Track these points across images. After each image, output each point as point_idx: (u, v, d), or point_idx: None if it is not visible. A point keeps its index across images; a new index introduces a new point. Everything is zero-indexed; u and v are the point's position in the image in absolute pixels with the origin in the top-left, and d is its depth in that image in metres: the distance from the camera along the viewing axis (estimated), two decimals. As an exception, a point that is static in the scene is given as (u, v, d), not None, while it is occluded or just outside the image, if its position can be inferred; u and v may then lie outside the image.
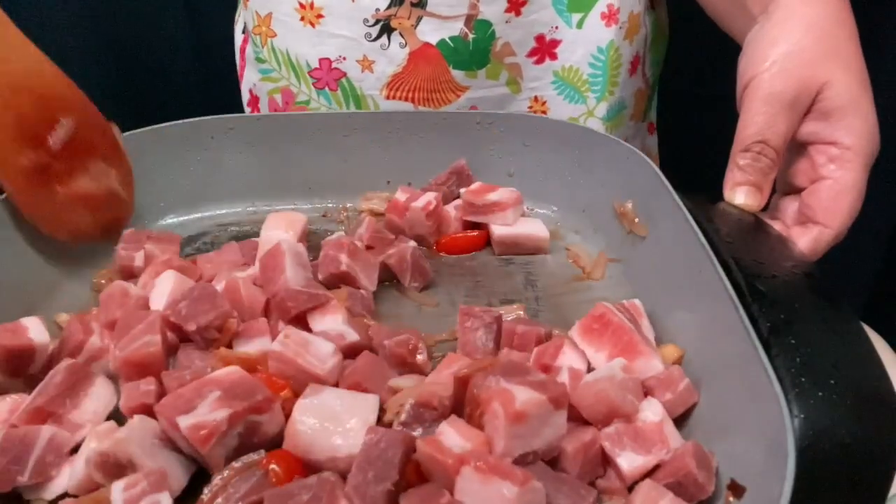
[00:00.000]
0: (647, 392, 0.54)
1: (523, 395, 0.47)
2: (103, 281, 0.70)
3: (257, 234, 0.78)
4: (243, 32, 0.99)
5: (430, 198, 0.74)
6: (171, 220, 0.80)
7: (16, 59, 0.63)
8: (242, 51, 0.99)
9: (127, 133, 0.76)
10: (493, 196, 0.75)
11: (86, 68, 1.36)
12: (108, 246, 0.74)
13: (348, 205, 0.82)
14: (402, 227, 0.75)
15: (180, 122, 0.79)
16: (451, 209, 0.78)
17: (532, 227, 0.76)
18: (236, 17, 1.03)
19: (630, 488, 0.50)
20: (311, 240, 0.77)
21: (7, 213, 0.66)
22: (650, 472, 0.50)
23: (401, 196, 0.76)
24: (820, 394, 0.45)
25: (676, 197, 0.64)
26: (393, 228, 0.75)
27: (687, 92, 1.18)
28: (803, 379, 0.45)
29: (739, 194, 0.64)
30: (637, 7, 0.89)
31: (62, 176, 0.65)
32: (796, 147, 0.65)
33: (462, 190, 0.77)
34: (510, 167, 0.81)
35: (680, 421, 0.54)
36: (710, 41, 0.81)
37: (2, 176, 0.64)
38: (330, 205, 0.82)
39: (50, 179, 0.65)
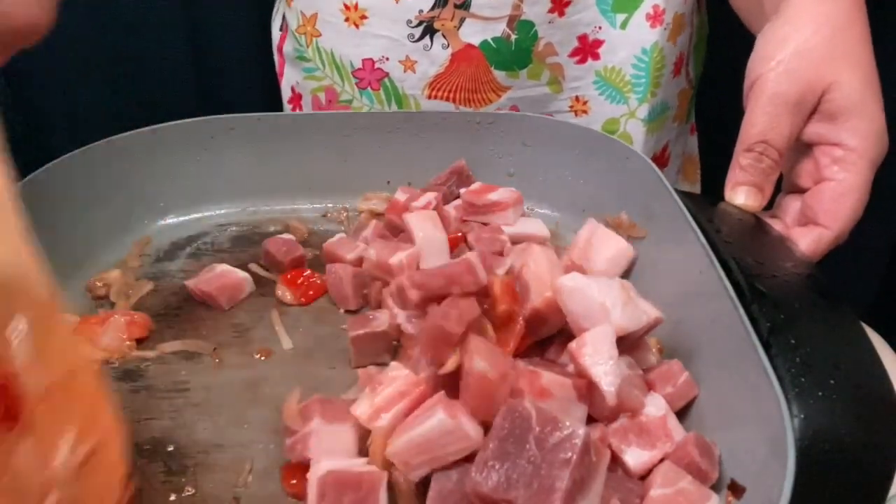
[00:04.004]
0: (649, 386, 0.54)
1: (550, 376, 0.49)
2: (99, 283, 0.70)
3: (257, 234, 0.78)
4: (280, 30, 1.00)
5: (429, 198, 0.74)
6: (171, 220, 0.80)
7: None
8: (280, 49, 1.00)
9: (127, 133, 0.76)
10: (493, 196, 0.75)
11: (87, 72, 1.36)
12: (107, 247, 0.75)
13: (348, 205, 0.82)
14: (403, 227, 0.75)
15: (180, 122, 0.79)
16: (451, 209, 0.77)
17: (532, 227, 0.75)
18: (273, 14, 1.03)
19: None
20: (312, 240, 0.78)
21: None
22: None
23: (401, 196, 0.75)
24: (820, 394, 0.45)
25: (676, 197, 0.64)
26: (393, 229, 0.75)
27: (724, 92, 1.17)
28: (803, 379, 0.45)
29: (740, 194, 0.64)
30: (682, 7, 0.88)
31: None
32: (802, 147, 0.64)
33: (462, 190, 0.77)
34: (510, 167, 0.81)
35: (680, 420, 0.54)
36: (748, 40, 0.80)
37: None
38: (330, 205, 0.82)
39: None
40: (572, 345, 0.52)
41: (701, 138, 1.07)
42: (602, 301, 0.52)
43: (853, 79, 0.61)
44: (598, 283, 0.53)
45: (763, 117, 0.62)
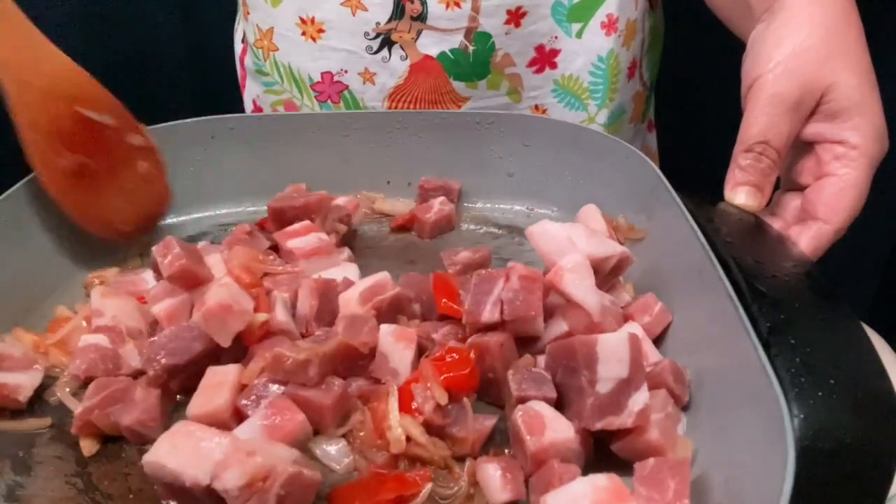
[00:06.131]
0: (627, 318, 0.61)
1: None
2: (97, 281, 0.70)
3: (257, 234, 0.78)
4: (242, 42, 0.99)
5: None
6: (171, 220, 0.80)
7: (47, 66, 0.65)
8: (242, 61, 0.99)
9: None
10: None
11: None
12: (107, 247, 0.74)
13: (348, 205, 0.82)
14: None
15: (180, 122, 0.79)
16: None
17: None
18: (235, 25, 1.02)
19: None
20: (311, 240, 0.77)
21: (7, 213, 0.66)
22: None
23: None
24: (820, 394, 0.45)
25: (676, 197, 0.64)
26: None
27: (684, 88, 1.19)
28: (803, 379, 0.45)
29: (740, 194, 0.64)
30: (634, 14, 0.89)
31: (100, 174, 0.68)
32: (802, 145, 0.65)
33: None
34: (510, 167, 0.81)
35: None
36: (707, 37, 0.81)
37: (45, 179, 0.65)
38: (330, 205, 0.82)
39: (89, 178, 0.67)
40: (550, 275, 0.57)
41: (660, 134, 1.09)
42: (567, 235, 0.60)
43: (852, 78, 0.61)
44: (562, 224, 0.61)
45: (762, 118, 0.62)
